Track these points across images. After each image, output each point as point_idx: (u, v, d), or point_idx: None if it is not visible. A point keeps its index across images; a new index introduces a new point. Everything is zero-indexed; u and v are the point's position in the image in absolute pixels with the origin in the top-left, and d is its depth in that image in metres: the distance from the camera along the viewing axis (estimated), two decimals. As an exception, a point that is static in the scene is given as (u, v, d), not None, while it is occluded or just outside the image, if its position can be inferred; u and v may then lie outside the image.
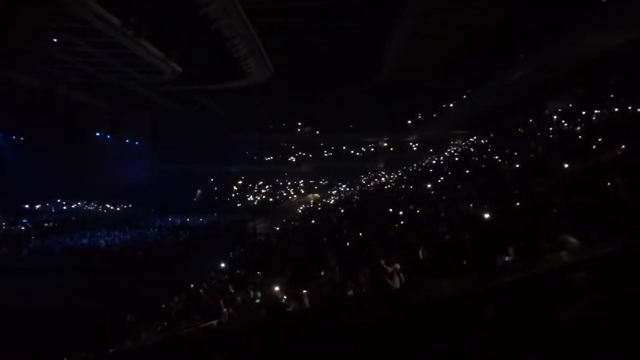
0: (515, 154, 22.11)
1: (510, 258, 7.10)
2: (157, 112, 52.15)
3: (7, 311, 16.11)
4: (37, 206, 45.72)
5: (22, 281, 21.74)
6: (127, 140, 54.10)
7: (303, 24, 29.35)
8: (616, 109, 21.34)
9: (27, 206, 44.55)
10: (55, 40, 27.43)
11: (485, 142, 33.33)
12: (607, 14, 22.61)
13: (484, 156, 26.96)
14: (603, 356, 1.91)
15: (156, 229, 36.07)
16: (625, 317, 2.03)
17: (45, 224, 37.11)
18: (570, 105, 29.80)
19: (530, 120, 31.08)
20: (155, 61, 31.71)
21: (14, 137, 49.17)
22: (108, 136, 52.28)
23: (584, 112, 24.27)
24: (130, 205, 48.63)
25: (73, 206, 48.04)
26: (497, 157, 23.93)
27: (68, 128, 47.85)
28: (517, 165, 19.14)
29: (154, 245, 29.13)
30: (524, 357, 1.96)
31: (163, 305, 13.20)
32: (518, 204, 11.84)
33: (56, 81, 38.02)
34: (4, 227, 34.92)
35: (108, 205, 49.00)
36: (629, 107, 20.23)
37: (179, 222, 38.95)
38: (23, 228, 35.31)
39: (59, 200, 48.70)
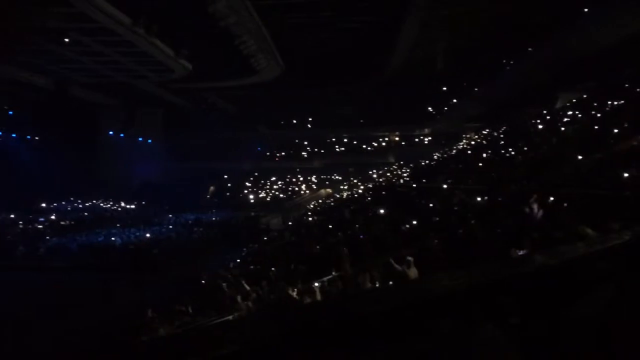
0: (526, 148, 21.93)
1: (525, 252, 7.03)
2: (169, 110, 52.32)
3: (27, 309, 16.40)
4: (54, 205, 46.11)
5: (40, 279, 22.07)
6: (140, 139, 54.30)
7: (312, 19, 29.29)
8: (630, 100, 21.05)
9: (43, 205, 45.00)
10: (66, 40, 27.57)
11: (497, 135, 33.05)
12: (618, 5, 22.34)
13: (497, 149, 26.75)
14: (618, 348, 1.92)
15: (170, 226, 36.29)
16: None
17: (62, 223, 37.41)
18: (584, 96, 29.47)
19: (544, 112, 30.79)
20: (166, 59, 31.86)
21: (28, 137, 49.88)
22: (121, 134, 52.53)
23: (596, 104, 23.99)
24: (144, 203, 48.97)
25: (88, 204, 48.44)
26: (510, 150, 23.75)
27: (81, 127, 48.17)
28: (531, 158, 19.01)
29: (168, 242, 29.29)
30: (541, 350, 1.97)
31: (179, 302, 13.29)
32: (533, 196, 11.76)
33: (68, 81, 38.37)
34: (21, 226, 35.32)
35: (122, 203, 49.38)
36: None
37: (192, 218, 39.11)
38: (40, 227, 35.63)
39: (74, 199, 49.13)
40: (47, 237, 31.70)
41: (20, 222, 36.53)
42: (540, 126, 26.91)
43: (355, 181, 48.80)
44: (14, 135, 48.69)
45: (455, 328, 1.90)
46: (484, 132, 40.12)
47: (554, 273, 2.22)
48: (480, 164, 23.47)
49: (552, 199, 10.60)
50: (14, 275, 22.93)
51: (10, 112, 44.67)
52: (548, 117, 28.84)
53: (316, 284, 9.51)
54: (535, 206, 9.51)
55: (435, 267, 8.80)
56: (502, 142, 28.81)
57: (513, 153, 22.44)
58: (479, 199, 14.75)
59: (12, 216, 38.24)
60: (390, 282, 8.70)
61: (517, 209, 10.92)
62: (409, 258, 8.79)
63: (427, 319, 1.92)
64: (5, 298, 17.96)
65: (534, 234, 7.66)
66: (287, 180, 56.37)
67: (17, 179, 44.05)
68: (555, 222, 8.47)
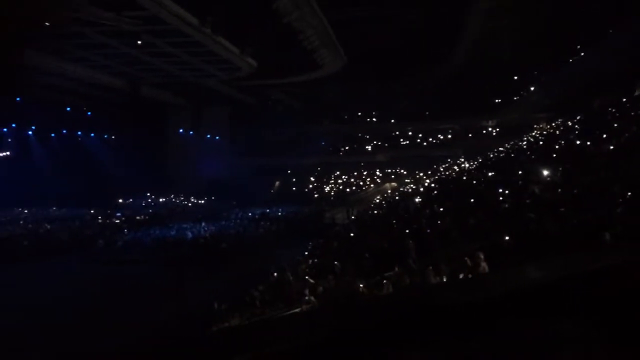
0: (605, 136, 20.74)
1: (605, 246, 6.67)
2: (235, 107, 53.59)
3: (105, 300, 17.40)
4: (130, 201, 48.28)
5: (117, 272, 23.29)
6: (208, 136, 55.91)
7: (374, 12, 29.05)
8: None
9: (120, 201, 47.25)
10: (139, 42, 28.65)
11: (571, 125, 31.43)
12: None
13: (571, 139, 25.48)
14: None
15: (238, 221, 37.00)
16: None
17: (137, 217, 38.97)
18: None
19: (623, 100, 29.00)
20: (232, 57, 32.58)
21: (106, 136, 52.75)
22: (190, 132, 54.31)
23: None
24: (213, 198, 50.31)
25: (161, 200, 50.41)
26: (586, 140, 22.54)
27: (153, 126, 50.34)
28: (609, 148, 17.98)
29: (236, 237, 29.95)
30: (624, 350, 1.86)
31: (247, 294, 13.60)
32: (612, 188, 11.12)
33: (139, 82, 40.16)
34: (100, 221, 37.21)
35: (193, 199, 51.04)
36: None
37: (258, 213, 39.77)
38: (117, 221, 37.33)
39: (148, 195, 51.27)
40: (124, 232, 33.24)
41: (99, 218, 38.43)
42: (617, 114, 25.38)
43: (420, 174, 47.98)
44: (92, 134, 51.71)
45: (527, 325, 1.82)
46: (556, 122, 38.32)
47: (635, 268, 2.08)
48: (554, 155, 22.44)
49: (632, 191, 9.99)
50: (94, 268, 24.30)
51: (89, 113, 47.33)
52: (627, 105, 27.13)
53: (385, 281, 9.45)
54: (614, 199, 9.01)
55: (505, 262, 8.52)
56: (577, 132, 27.42)
57: (589, 143, 21.30)
58: (552, 191, 14.12)
59: (92, 212, 40.43)
60: (459, 277, 8.51)
61: (595, 202, 10.38)
62: (478, 252, 8.56)
63: (497, 316, 1.86)
64: (86, 290, 19.11)
65: (615, 227, 7.25)
66: (352, 174, 56.23)
67: (96, 176, 46.68)
68: (637, 216, 7.97)
